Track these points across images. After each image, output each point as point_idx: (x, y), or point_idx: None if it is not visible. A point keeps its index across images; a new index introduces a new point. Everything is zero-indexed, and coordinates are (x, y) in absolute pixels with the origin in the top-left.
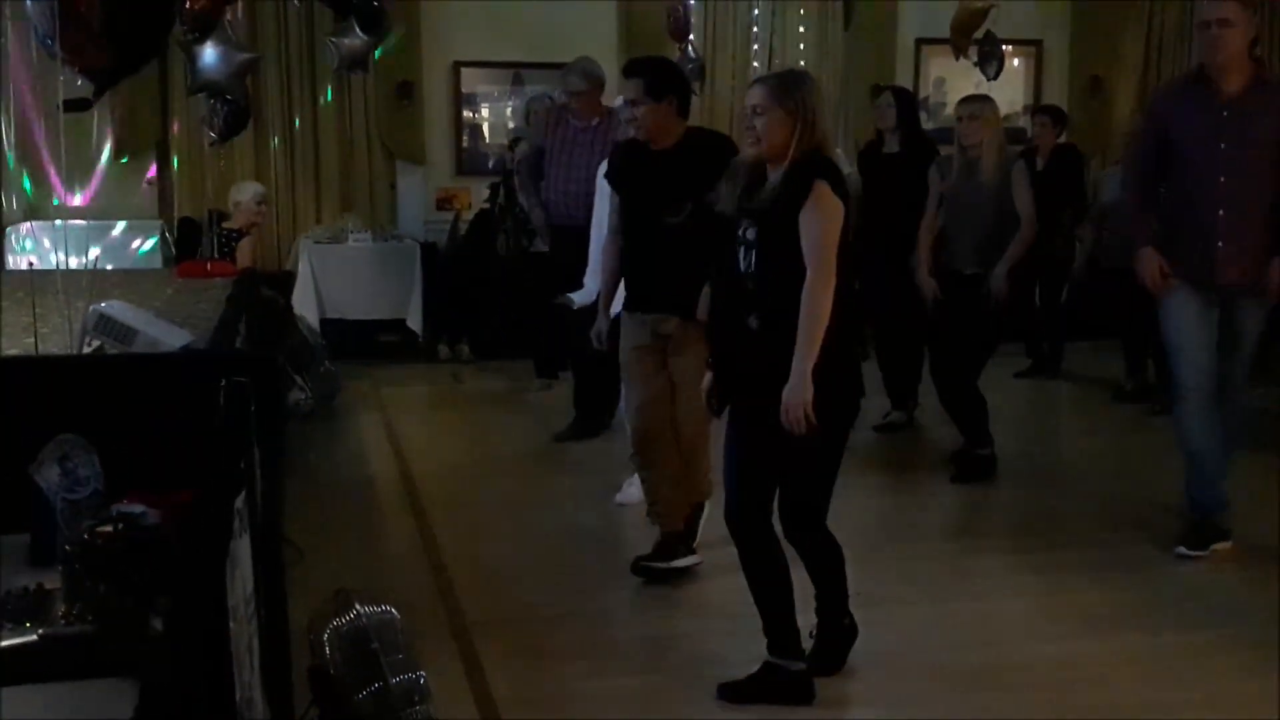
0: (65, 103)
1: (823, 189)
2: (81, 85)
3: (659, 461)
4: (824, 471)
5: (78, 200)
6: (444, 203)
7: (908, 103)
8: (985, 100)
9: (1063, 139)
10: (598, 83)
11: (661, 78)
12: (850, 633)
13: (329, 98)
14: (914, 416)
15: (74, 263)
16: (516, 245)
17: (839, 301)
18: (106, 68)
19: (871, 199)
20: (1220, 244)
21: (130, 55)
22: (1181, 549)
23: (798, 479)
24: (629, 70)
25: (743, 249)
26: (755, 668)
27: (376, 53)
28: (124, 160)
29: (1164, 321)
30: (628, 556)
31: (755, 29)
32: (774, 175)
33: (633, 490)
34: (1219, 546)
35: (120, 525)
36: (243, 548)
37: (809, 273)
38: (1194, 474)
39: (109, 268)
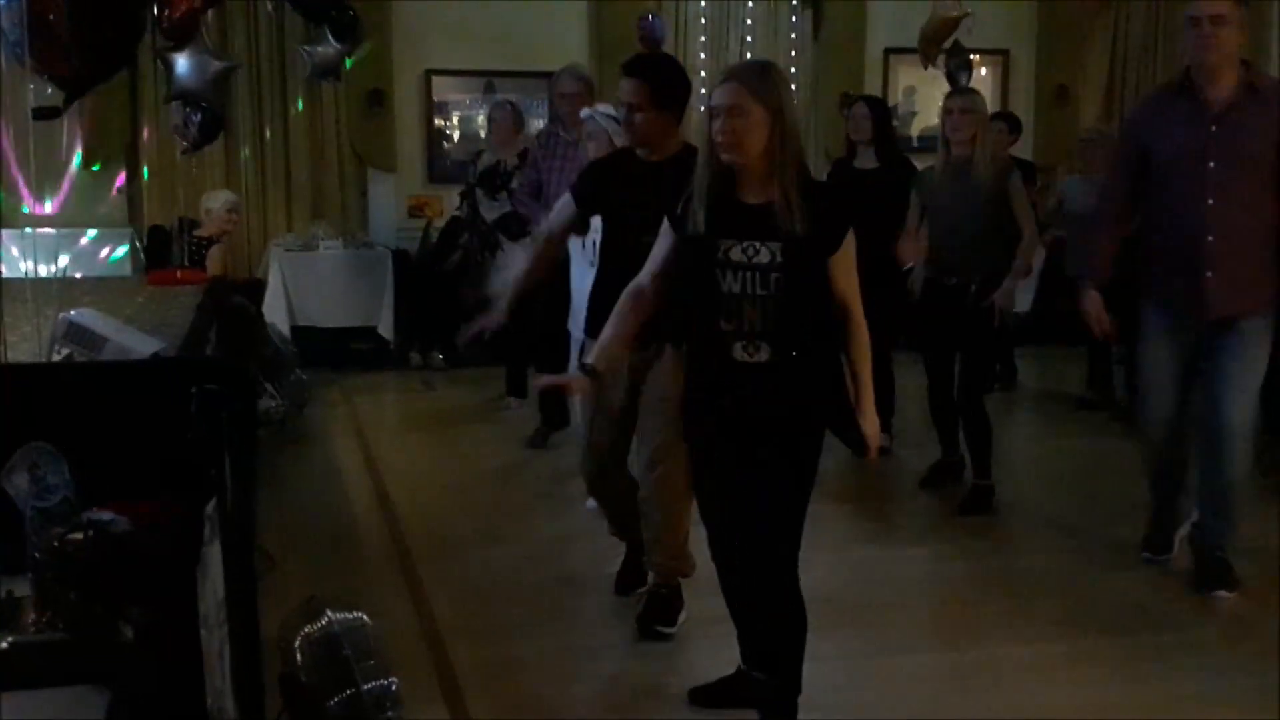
0: (35, 110)
1: (852, 239)
2: (52, 93)
3: (623, 502)
4: (803, 507)
5: (47, 208)
6: (415, 210)
7: (883, 114)
8: (976, 93)
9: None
10: (589, 86)
11: (668, 86)
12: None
13: (300, 107)
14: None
15: (43, 271)
16: (476, 259)
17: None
18: (76, 76)
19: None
20: (1209, 274)
21: (100, 63)
22: (1146, 554)
23: (788, 518)
24: (632, 69)
25: (747, 272)
26: (728, 672)
27: (347, 61)
28: (96, 168)
29: (1139, 353)
30: (599, 563)
31: (726, 38)
32: (752, 185)
33: None
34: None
35: (90, 533)
36: (213, 555)
37: (857, 315)
38: (1157, 503)
39: (79, 276)
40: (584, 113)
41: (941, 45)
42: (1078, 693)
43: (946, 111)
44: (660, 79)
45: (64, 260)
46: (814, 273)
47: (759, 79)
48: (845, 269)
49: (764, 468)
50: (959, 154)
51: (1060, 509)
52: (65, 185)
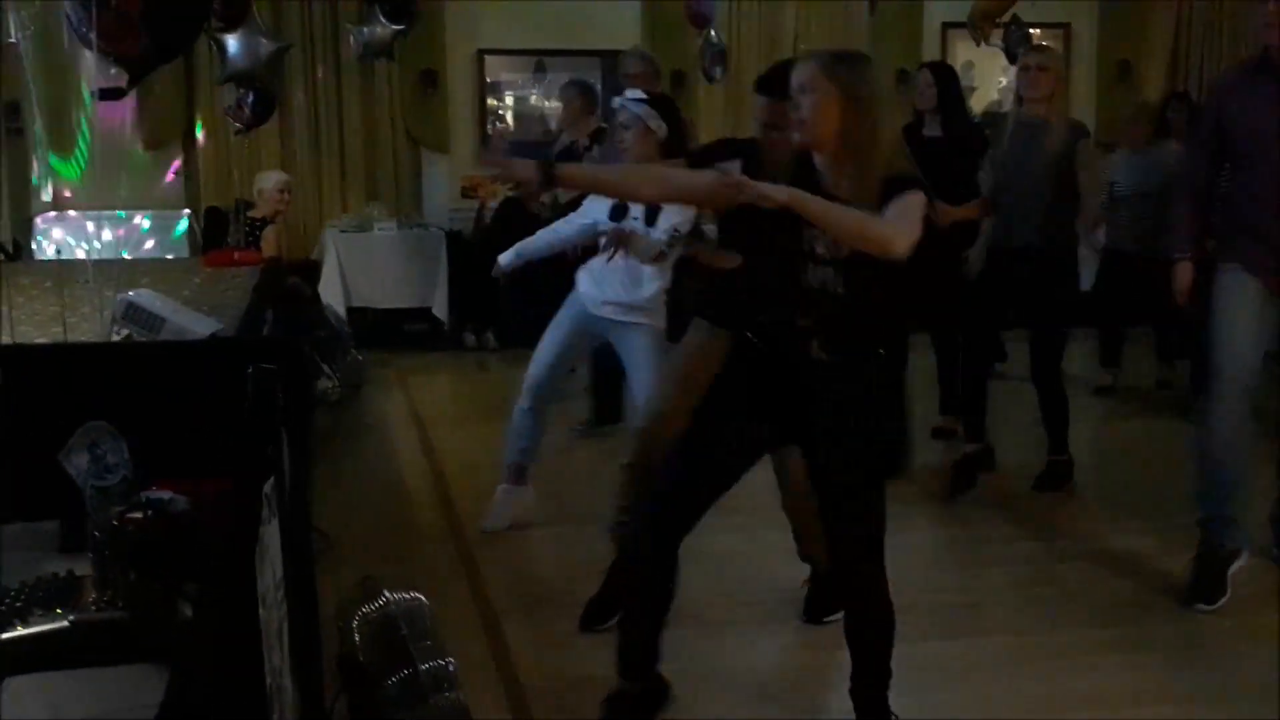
0: (101, 91)
1: (918, 196)
2: (115, 73)
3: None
4: (881, 497)
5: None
6: (469, 191)
7: (949, 81)
8: (1048, 51)
9: None
10: (653, 68)
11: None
12: None
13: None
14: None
15: (81, 253)
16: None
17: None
18: (142, 56)
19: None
20: None
21: (168, 43)
22: (1200, 605)
23: (864, 510)
24: (766, 87)
25: (817, 265)
26: (788, 659)
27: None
28: (150, 151)
29: (1214, 303)
30: None
31: (781, 14)
32: (838, 178)
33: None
34: (1236, 566)
35: (149, 512)
36: (271, 533)
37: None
38: (1209, 485)
39: (136, 257)
40: (614, 101)
41: (996, 21)
42: (1128, 678)
43: (1023, 68)
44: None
45: (121, 241)
46: (878, 274)
47: (836, 59)
48: (899, 211)
49: (834, 466)
50: (1032, 113)
51: (1116, 491)
52: (122, 166)
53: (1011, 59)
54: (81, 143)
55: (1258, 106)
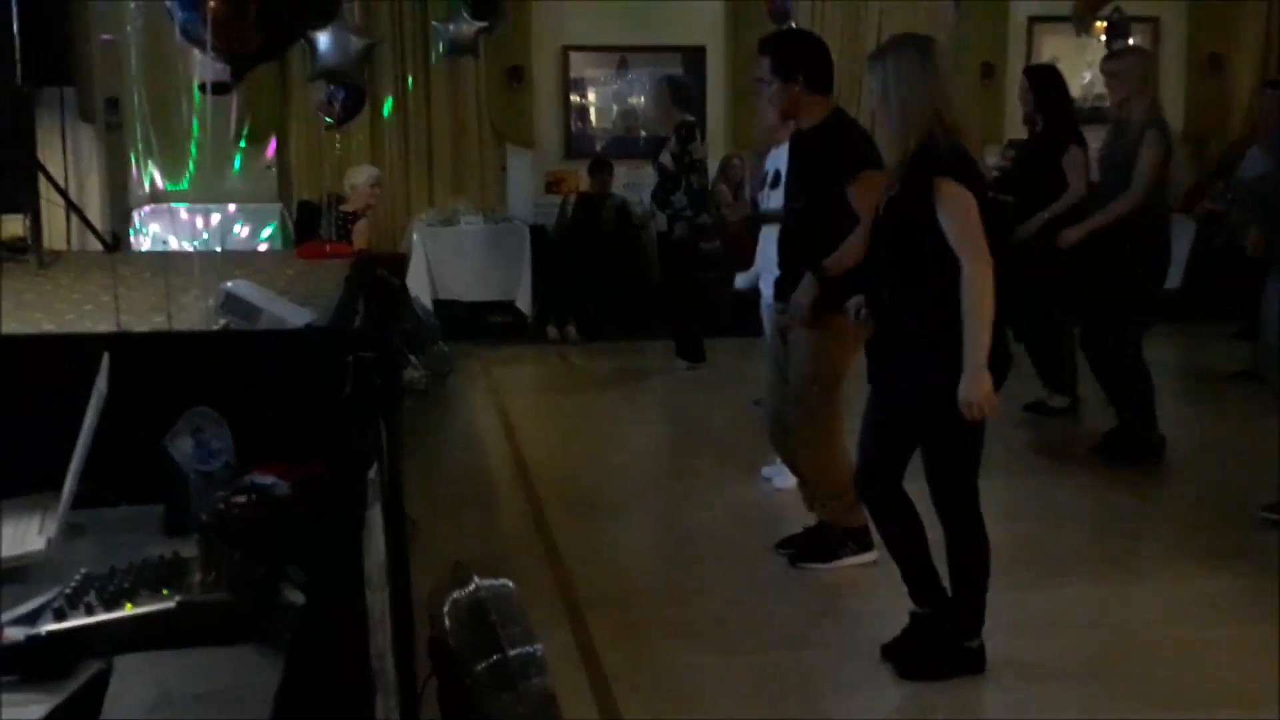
0: (214, 85)
1: (945, 185)
2: (222, 69)
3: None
4: (970, 442)
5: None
6: (553, 185)
7: (1045, 82)
8: (1126, 55)
9: None
10: None
11: (787, 57)
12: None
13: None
14: (1076, 403)
15: (188, 246)
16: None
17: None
18: (252, 52)
19: (1016, 182)
20: None
21: (277, 39)
22: (1263, 513)
23: (943, 445)
24: (760, 46)
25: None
26: (857, 651)
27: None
28: (242, 144)
29: (1266, 299)
30: (739, 536)
31: (865, 9)
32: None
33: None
34: None
35: (253, 495)
36: (375, 518)
37: (965, 266)
38: None
39: (232, 249)
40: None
41: (1098, 12)
42: (1230, 678)
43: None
44: (779, 51)
45: (206, 230)
46: (907, 229)
47: (876, 54)
48: (947, 225)
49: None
50: (1117, 114)
51: (1225, 491)
52: (221, 162)
53: (1112, 50)
54: (192, 141)
55: None
